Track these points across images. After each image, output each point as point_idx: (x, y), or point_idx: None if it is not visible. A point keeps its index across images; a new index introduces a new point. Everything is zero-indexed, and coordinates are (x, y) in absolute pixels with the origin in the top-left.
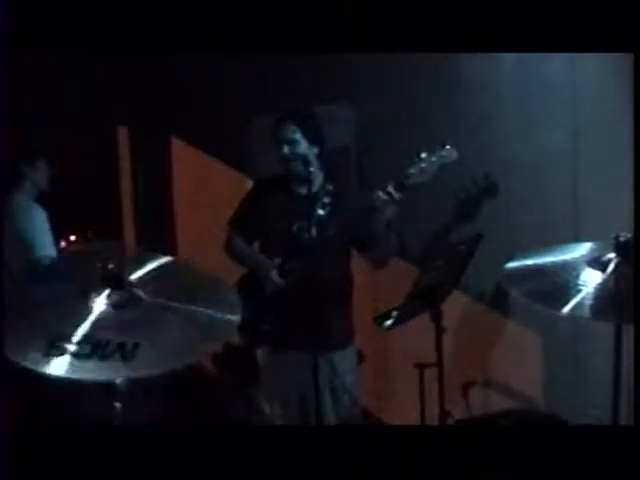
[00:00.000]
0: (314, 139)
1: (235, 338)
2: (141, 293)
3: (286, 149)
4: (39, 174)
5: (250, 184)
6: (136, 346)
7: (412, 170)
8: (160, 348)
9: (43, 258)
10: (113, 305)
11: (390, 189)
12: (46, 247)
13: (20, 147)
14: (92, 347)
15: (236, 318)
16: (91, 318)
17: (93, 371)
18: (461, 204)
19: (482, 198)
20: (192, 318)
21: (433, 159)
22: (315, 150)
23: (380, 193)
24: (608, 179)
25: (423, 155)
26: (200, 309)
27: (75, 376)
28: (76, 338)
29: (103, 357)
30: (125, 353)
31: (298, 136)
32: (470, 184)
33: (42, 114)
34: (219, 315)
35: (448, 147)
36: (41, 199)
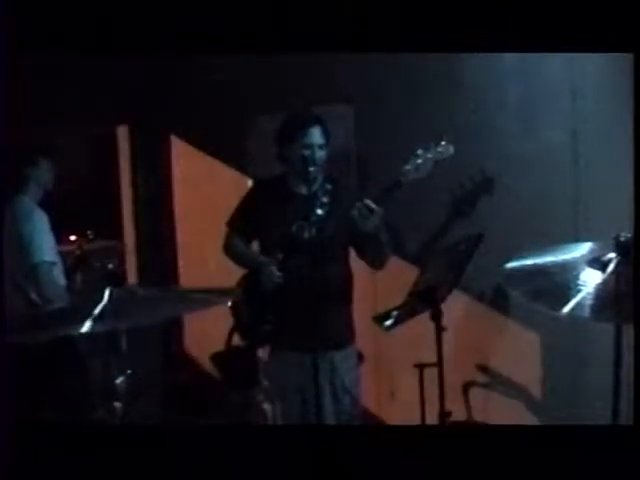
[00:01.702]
0: (329, 142)
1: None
2: (141, 291)
3: (317, 154)
4: (43, 174)
5: (250, 184)
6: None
7: (408, 167)
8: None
9: (42, 263)
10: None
11: (368, 202)
12: (46, 252)
13: (22, 148)
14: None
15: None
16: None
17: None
18: (457, 201)
19: (478, 193)
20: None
21: (429, 155)
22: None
23: (359, 205)
24: (608, 179)
25: (419, 151)
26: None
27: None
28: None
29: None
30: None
31: (325, 141)
32: (466, 181)
33: (42, 114)
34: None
35: (444, 143)
36: (44, 201)
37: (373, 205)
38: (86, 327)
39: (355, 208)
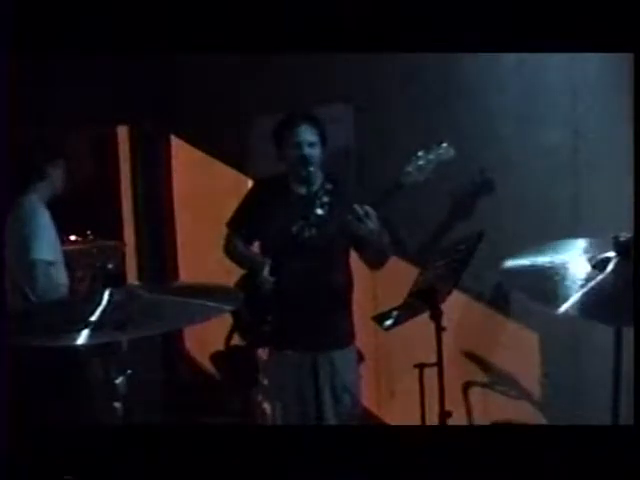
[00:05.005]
0: (324, 140)
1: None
2: (140, 291)
3: (307, 151)
4: (59, 173)
5: (250, 184)
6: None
7: (409, 169)
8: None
9: (39, 261)
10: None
11: (365, 207)
12: (44, 251)
13: (39, 147)
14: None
15: (228, 307)
16: (92, 318)
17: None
18: (457, 201)
19: (478, 194)
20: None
21: (430, 157)
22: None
23: (356, 208)
24: (608, 179)
25: (420, 153)
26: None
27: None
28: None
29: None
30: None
31: (317, 138)
32: (466, 181)
33: (42, 114)
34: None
35: (445, 145)
36: (53, 200)
37: (369, 209)
38: (84, 338)
39: (350, 212)
